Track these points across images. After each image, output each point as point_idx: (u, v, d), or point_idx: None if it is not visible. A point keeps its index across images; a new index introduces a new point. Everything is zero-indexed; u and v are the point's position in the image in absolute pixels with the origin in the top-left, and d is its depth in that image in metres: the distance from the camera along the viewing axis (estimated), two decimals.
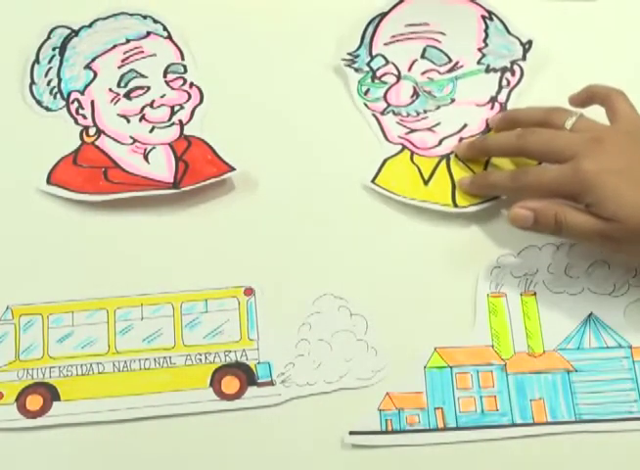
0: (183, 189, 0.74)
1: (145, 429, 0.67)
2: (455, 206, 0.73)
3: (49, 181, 0.75)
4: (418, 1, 0.81)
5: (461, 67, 0.78)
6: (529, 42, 0.79)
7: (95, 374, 0.68)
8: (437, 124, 0.77)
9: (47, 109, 0.79)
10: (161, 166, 0.76)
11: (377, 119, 0.77)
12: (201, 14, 0.81)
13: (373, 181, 0.74)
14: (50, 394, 0.68)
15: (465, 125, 0.76)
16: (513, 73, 0.78)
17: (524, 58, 0.78)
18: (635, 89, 0.77)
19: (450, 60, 0.79)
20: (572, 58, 0.79)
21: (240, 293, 0.71)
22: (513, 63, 0.78)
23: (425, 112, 0.77)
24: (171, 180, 0.75)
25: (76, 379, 0.68)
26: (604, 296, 0.69)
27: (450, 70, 0.78)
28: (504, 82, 0.78)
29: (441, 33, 0.79)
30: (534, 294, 0.70)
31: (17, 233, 0.73)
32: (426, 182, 0.74)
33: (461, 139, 0.76)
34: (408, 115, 0.77)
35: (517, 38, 0.79)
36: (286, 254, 0.72)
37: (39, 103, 0.79)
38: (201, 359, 0.69)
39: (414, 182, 0.74)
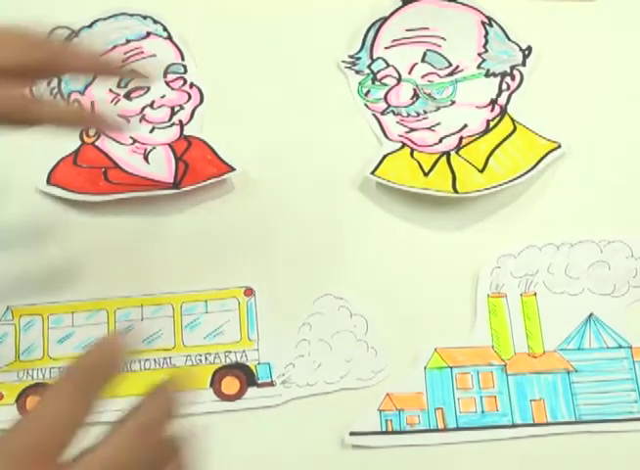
0: (183, 189, 0.74)
1: None
2: (456, 192, 0.73)
3: (49, 181, 0.75)
4: (418, 7, 0.81)
5: (461, 71, 0.79)
6: (529, 48, 0.79)
7: None
8: (437, 124, 0.77)
9: None
10: (162, 167, 0.76)
11: (377, 119, 0.78)
12: (201, 14, 0.81)
13: (372, 173, 0.74)
14: None
15: (465, 125, 0.77)
16: (513, 78, 0.78)
17: (523, 63, 0.79)
18: (635, 89, 0.77)
19: (450, 64, 0.79)
20: (573, 58, 0.79)
21: (240, 293, 0.71)
22: (513, 68, 0.79)
23: (425, 112, 0.77)
24: (171, 180, 0.75)
25: None
26: (604, 296, 0.69)
27: (450, 74, 0.78)
28: (504, 86, 0.78)
29: (442, 38, 0.79)
30: (535, 294, 0.70)
31: (17, 233, 0.73)
32: (426, 174, 0.74)
33: (461, 138, 0.76)
34: (408, 115, 0.77)
35: (516, 44, 0.79)
36: (286, 254, 0.72)
37: None
38: (201, 360, 0.69)
39: (414, 174, 0.74)
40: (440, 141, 0.76)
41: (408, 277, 0.71)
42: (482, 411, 0.66)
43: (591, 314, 0.69)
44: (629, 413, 0.66)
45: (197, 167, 0.75)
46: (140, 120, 0.78)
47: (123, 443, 0.50)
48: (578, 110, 0.77)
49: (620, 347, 0.68)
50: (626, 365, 0.67)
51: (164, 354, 0.69)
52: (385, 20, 0.81)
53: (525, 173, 0.73)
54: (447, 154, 0.75)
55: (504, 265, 0.71)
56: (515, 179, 0.73)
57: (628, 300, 0.69)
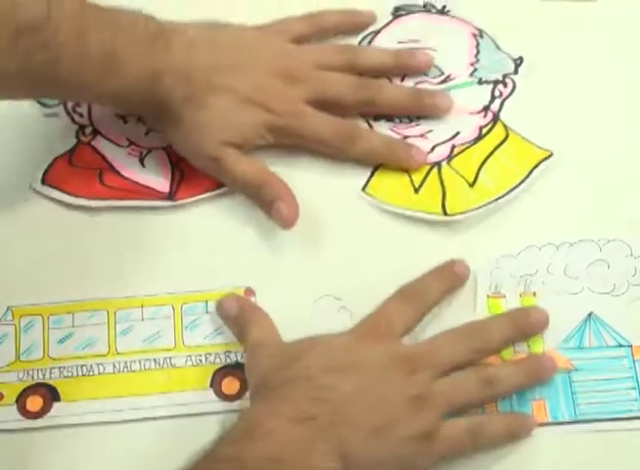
0: (179, 202, 0.74)
1: (145, 430, 0.67)
2: (445, 214, 0.73)
3: (44, 181, 0.75)
4: (409, 20, 0.82)
5: (453, 79, 0.79)
6: (521, 58, 0.79)
7: (95, 375, 0.68)
8: (430, 132, 0.77)
9: (44, 105, 0.78)
10: (157, 173, 0.76)
11: (369, 126, 0.78)
12: (199, 14, 0.79)
13: (364, 189, 0.75)
14: (50, 394, 0.68)
15: (457, 133, 0.77)
16: (505, 85, 0.79)
17: (515, 72, 0.79)
18: (635, 91, 0.78)
19: (442, 73, 0.79)
20: (566, 64, 0.79)
21: (241, 293, 0.71)
22: (505, 76, 0.79)
23: (417, 119, 0.78)
24: (167, 190, 0.75)
25: (77, 380, 0.68)
26: (604, 295, 0.70)
27: (443, 82, 0.79)
28: (497, 93, 0.78)
29: (433, 49, 0.80)
30: (534, 294, 0.70)
31: (17, 233, 0.73)
32: (416, 190, 0.74)
33: (453, 146, 0.76)
34: (401, 121, 0.78)
35: (508, 54, 0.80)
36: (287, 254, 0.73)
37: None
38: (201, 360, 0.69)
39: (404, 190, 0.74)
40: (432, 150, 0.76)
41: (408, 277, 0.71)
42: (483, 411, 0.66)
43: (591, 313, 0.69)
44: (629, 411, 0.66)
45: (192, 177, 0.75)
46: (137, 121, 0.78)
47: (450, 338, 0.66)
48: (574, 113, 0.77)
49: (620, 345, 0.68)
50: (626, 364, 0.67)
51: (165, 354, 0.69)
52: (376, 33, 0.81)
53: (517, 186, 0.73)
54: (439, 165, 0.76)
55: (503, 266, 0.71)
56: (505, 195, 0.73)
57: (628, 298, 0.69)
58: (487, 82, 0.79)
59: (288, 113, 0.73)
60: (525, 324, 0.68)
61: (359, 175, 0.75)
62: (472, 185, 0.74)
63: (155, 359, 0.69)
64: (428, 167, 0.75)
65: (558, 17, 0.81)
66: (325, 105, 0.75)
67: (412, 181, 0.75)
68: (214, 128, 0.72)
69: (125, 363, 0.69)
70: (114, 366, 0.69)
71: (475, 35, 0.81)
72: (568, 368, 0.67)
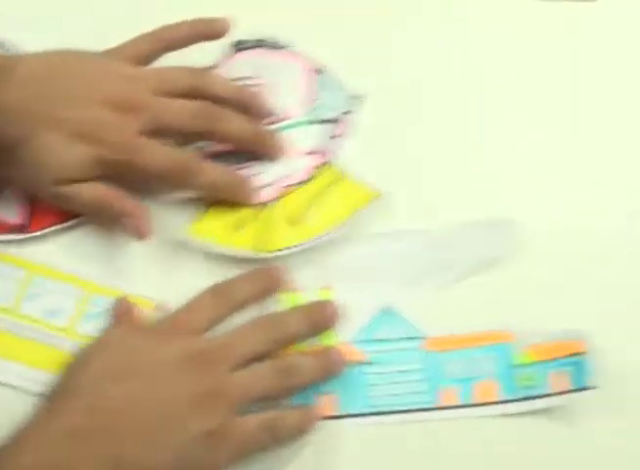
0: (34, 234, 0.74)
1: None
2: (261, 251, 0.72)
3: None
4: (246, 56, 0.80)
5: (288, 119, 0.77)
6: (359, 96, 0.78)
7: None
8: (259, 174, 0.76)
9: None
10: (9, 205, 0.75)
11: None
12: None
13: (187, 229, 0.74)
14: None
15: (287, 174, 0.76)
16: (341, 125, 0.78)
17: (353, 111, 0.78)
18: (635, 93, 0.81)
19: (277, 113, 0.77)
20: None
21: (151, 306, 0.72)
22: (341, 114, 0.78)
23: (247, 161, 0.76)
24: (19, 221, 0.74)
25: None
26: (400, 288, 0.70)
27: (275, 122, 0.77)
28: (332, 133, 0.77)
29: (269, 87, 0.78)
30: (331, 288, 0.71)
31: None
32: (238, 228, 0.74)
33: (282, 188, 0.75)
34: (235, 163, 0.76)
35: (347, 92, 0.79)
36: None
37: None
38: None
39: (226, 228, 0.74)
40: (261, 190, 0.75)
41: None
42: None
43: (386, 306, 0.70)
44: (420, 403, 0.67)
45: (47, 207, 0.74)
46: None
47: (246, 331, 0.68)
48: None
49: (413, 338, 0.69)
50: (418, 356, 0.68)
51: (57, 334, 0.70)
52: (214, 68, 0.80)
53: (340, 227, 0.73)
54: (265, 205, 0.75)
55: (303, 259, 0.72)
56: (324, 235, 0.72)
57: (424, 291, 0.70)
58: (323, 121, 0.77)
59: (120, 145, 0.71)
60: (319, 317, 0.69)
61: (185, 215, 0.75)
62: (294, 224, 0.73)
63: (48, 335, 0.71)
64: (254, 207, 0.74)
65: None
66: (165, 133, 0.73)
67: (236, 220, 0.74)
68: (46, 167, 0.70)
69: (22, 328, 0.71)
70: (12, 325, 0.71)
71: (313, 72, 0.79)
72: (361, 361, 0.68)
